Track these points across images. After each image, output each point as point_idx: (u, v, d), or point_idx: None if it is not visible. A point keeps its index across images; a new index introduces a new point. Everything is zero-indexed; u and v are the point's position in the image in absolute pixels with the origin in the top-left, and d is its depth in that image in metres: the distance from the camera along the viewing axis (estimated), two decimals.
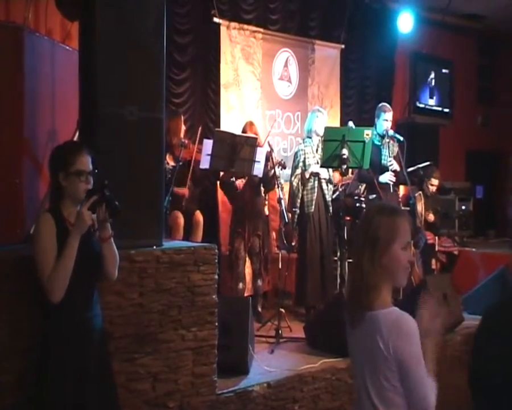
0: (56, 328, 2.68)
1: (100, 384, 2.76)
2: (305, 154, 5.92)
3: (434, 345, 2.22)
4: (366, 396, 2.17)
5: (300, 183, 5.92)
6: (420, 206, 7.14)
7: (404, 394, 2.10)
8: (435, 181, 7.31)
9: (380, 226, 2.17)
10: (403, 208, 6.02)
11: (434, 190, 7.34)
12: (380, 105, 6.26)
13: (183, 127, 5.85)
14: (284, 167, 5.76)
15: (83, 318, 2.75)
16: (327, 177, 5.96)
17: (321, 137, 5.88)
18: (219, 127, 6.76)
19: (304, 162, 5.91)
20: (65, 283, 2.60)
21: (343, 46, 8.39)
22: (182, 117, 5.90)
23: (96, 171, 2.79)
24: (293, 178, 5.98)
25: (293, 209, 5.94)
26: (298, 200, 5.91)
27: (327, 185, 5.99)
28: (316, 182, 5.91)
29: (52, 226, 2.67)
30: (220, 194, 6.74)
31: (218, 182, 6.26)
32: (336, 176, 6.29)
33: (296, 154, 6.09)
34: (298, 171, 5.93)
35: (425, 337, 2.19)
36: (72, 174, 2.72)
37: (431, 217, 7.13)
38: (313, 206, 5.88)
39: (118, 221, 2.83)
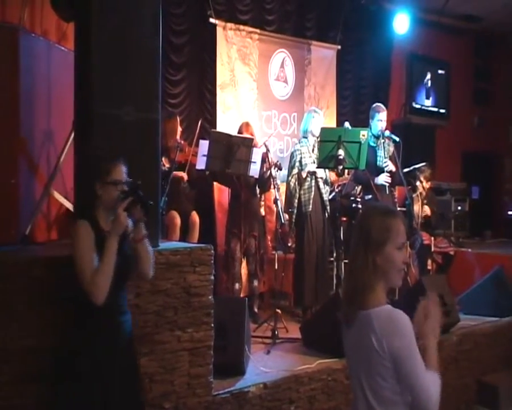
0: (90, 329, 2.74)
1: (126, 385, 2.82)
2: (301, 153, 5.92)
3: (436, 342, 2.22)
4: (362, 396, 2.18)
5: (297, 183, 5.91)
6: (416, 207, 7.15)
7: (402, 391, 2.11)
8: (422, 178, 7.31)
9: (373, 227, 2.18)
10: (398, 209, 6.03)
11: (424, 187, 7.33)
12: (374, 105, 6.22)
13: (179, 129, 5.84)
14: (280, 168, 5.76)
15: (117, 320, 2.84)
16: (324, 176, 5.95)
17: (317, 138, 5.88)
18: (215, 127, 6.76)
19: (300, 161, 5.91)
20: (108, 286, 2.67)
21: (339, 47, 8.39)
22: (178, 118, 5.89)
23: (130, 180, 2.88)
24: (290, 178, 5.97)
25: (290, 210, 5.93)
26: (296, 200, 5.89)
27: (324, 184, 5.99)
28: (313, 181, 5.90)
29: (90, 233, 2.73)
30: (216, 195, 6.75)
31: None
32: (333, 176, 6.29)
33: (292, 154, 6.08)
34: (295, 171, 5.92)
35: (426, 335, 2.20)
36: (109, 183, 2.81)
37: (427, 211, 7.15)
38: (311, 205, 5.86)
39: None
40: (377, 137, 6.05)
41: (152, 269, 3.00)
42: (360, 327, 2.16)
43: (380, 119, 6.04)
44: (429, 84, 9.93)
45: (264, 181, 5.85)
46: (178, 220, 5.46)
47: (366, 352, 2.13)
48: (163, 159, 5.40)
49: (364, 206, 5.87)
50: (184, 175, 5.59)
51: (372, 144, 6.00)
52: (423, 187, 7.34)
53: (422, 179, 7.34)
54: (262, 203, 6.42)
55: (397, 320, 2.10)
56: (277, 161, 5.84)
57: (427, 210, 7.17)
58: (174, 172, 5.43)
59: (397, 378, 2.09)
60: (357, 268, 2.19)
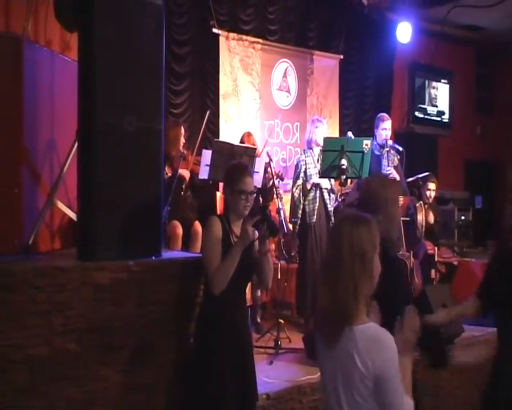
0: (211, 315, 3.26)
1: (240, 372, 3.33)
2: (306, 164, 5.89)
3: (410, 361, 2.22)
4: None
5: (301, 194, 5.89)
6: (420, 217, 7.12)
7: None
8: (432, 186, 7.28)
9: (364, 239, 2.15)
10: (402, 218, 6.01)
11: (432, 196, 7.31)
12: (378, 115, 6.30)
13: (182, 140, 5.81)
14: (281, 178, 5.74)
15: (231, 312, 3.26)
16: (328, 187, 5.93)
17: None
18: (218, 137, 6.76)
19: (305, 172, 5.87)
20: (225, 282, 3.11)
21: (341, 56, 8.42)
22: (182, 127, 5.88)
23: (258, 189, 3.19)
24: (294, 189, 5.92)
25: (293, 220, 5.90)
26: (300, 211, 5.86)
27: (329, 194, 5.95)
28: (318, 192, 5.87)
29: (219, 229, 3.21)
30: (219, 204, 6.74)
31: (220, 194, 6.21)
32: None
33: (296, 164, 6.05)
34: (300, 181, 5.88)
35: (402, 354, 2.17)
36: (236, 192, 3.24)
37: (431, 218, 7.11)
38: (315, 216, 5.82)
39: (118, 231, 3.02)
40: (382, 146, 6.06)
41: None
42: (343, 343, 2.12)
43: (384, 128, 6.07)
44: (432, 93, 9.94)
45: (267, 191, 5.84)
46: (180, 230, 5.43)
47: (348, 369, 2.10)
48: (166, 167, 5.39)
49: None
50: (187, 175, 5.55)
51: (377, 153, 6.01)
52: (431, 196, 7.31)
53: (431, 187, 7.30)
54: None
55: (381, 339, 2.08)
56: (279, 171, 5.83)
57: (431, 217, 7.12)
58: (179, 170, 5.42)
59: (376, 397, 2.07)
60: (352, 282, 2.12)
